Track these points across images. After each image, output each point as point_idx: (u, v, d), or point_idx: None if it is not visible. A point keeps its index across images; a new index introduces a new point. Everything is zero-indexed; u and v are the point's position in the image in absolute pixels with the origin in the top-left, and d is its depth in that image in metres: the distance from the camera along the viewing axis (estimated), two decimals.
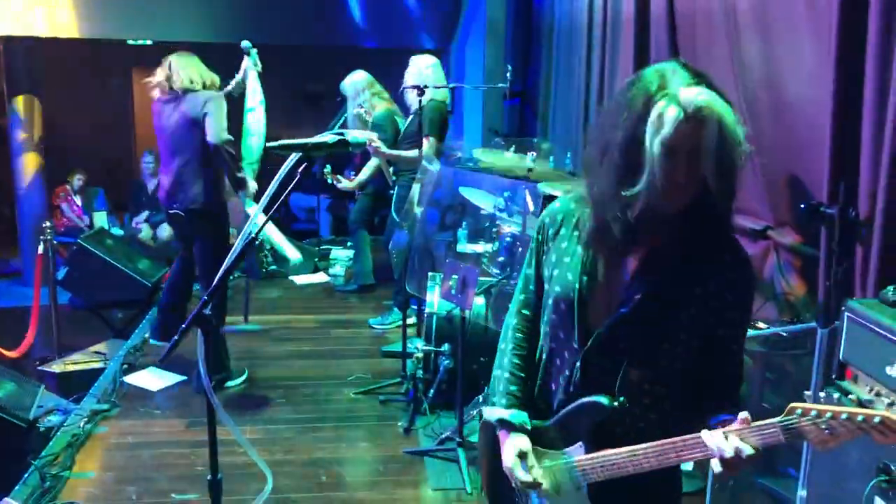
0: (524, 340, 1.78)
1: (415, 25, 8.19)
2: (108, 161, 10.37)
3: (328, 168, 5.92)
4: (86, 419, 3.92)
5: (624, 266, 1.58)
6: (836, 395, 2.28)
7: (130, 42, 9.11)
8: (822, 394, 2.32)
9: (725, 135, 1.40)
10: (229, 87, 4.66)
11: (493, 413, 1.74)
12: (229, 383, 4.44)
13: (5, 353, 5.23)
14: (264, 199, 2.07)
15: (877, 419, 1.30)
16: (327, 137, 1.99)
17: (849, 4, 2.80)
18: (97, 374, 4.64)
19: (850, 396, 2.23)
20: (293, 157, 1.97)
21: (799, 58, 3.27)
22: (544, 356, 1.71)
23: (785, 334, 3.12)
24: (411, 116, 5.17)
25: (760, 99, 3.56)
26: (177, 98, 4.22)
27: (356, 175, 5.98)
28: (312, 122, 7.08)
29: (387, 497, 3.34)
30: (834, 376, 2.38)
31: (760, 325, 3.29)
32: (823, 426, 1.34)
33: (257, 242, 5.31)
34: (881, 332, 2.14)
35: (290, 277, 6.79)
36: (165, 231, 8.23)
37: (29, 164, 8.60)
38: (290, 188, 1.97)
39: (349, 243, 6.69)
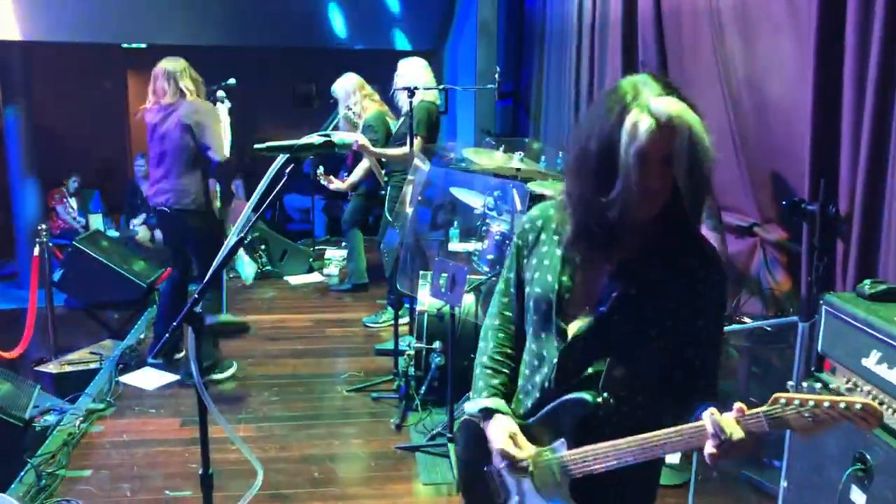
0: (505, 340, 1.83)
1: (407, 28, 8.24)
2: (103, 163, 10.40)
3: (321, 169, 5.98)
4: (81, 418, 3.97)
5: (601, 268, 1.64)
6: (816, 387, 2.34)
7: (124, 45, 9.16)
8: (803, 384, 2.38)
9: (696, 143, 1.45)
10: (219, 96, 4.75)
11: (475, 405, 1.78)
12: (216, 375, 4.52)
13: (2, 354, 5.26)
14: (253, 199, 2.12)
15: (858, 406, 1.36)
16: (314, 139, 2.03)
17: (827, 5, 2.85)
18: (93, 375, 4.68)
19: (829, 388, 2.28)
20: (280, 158, 2.02)
21: (780, 57, 3.32)
22: (526, 357, 1.76)
23: (769, 329, 3.17)
24: (402, 118, 5.23)
25: (745, 98, 3.62)
26: (171, 104, 4.34)
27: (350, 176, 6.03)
28: (306, 124, 7.12)
29: (378, 492, 3.39)
30: (813, 368, 2.43)
31: (746, 319, 3.35)
32: (806, 414, 1.39)
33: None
34: (857, 324, 2.19)
35: (285, 278, 6.84)
36: None
37: (24, 168, 8.64)
38: (277, 189, 2.01)
39: (344, 243, 6.74)
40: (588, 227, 1.57)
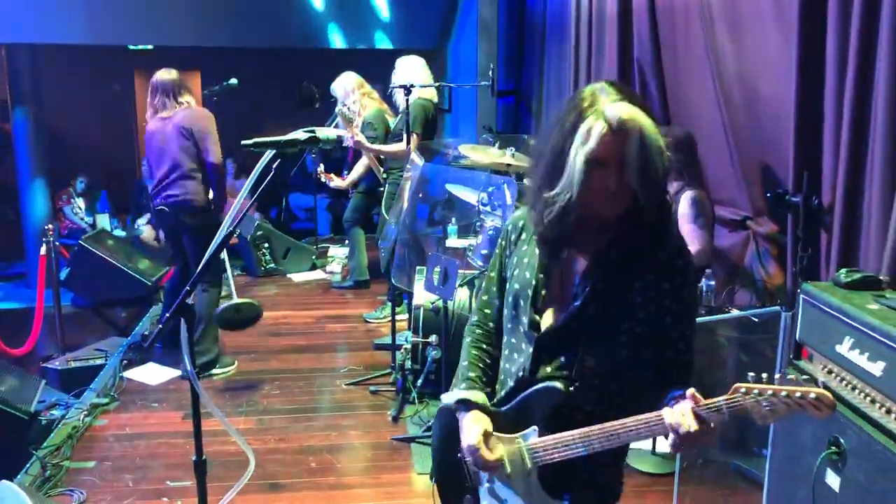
0: (484, 335, 1.91)
1: (409, 28, 8.31)
2: (111, 164, 10.53)
3: (321, 167, 6.06)
4: (86, 412, 4.05)
5: (575, 265, 1.72)
6: (791, 376, 2.37)
7: (132, 47, 9.28)
8: (776, 375, 2.42)
9: (647, 144, 1.53)
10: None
11: (452, 395, 1.84)
12: (214, 370, 4.62)
13: (11, 351, 5.37)
14: (243, 192, 2.19)
15: (812, 395, 1.43)
16: (299, 134, 2.11)
17: (809, 1, 2.90)
18: (98, 370, 4.78)
19: (805, 376, 2.33)
20: (268, 153, 2.09)
21: (767, 52, 3.37)
22: (505, 351, 1.83)
23: (756, 319, 3.21)
24: (400, 115, 5.31)
25: (736, 93, 3.66)
26: (171, 115, 4.54)
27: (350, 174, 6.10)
28: (309, 125, 7.19)
29: (374, 481, 3.46)
30: (791, 356, 2.48)
31: (733, 310, 3.40)
32: (764, 403, 1.46)
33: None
34: (832, 312, 2.23)
35: (289, 275, 6.93)
36: None
37: (32, 168, 8.76)
38: (264, 183, 2.07)
39: (346, 241, 6.81)
40: (541, 226, 1.66)
